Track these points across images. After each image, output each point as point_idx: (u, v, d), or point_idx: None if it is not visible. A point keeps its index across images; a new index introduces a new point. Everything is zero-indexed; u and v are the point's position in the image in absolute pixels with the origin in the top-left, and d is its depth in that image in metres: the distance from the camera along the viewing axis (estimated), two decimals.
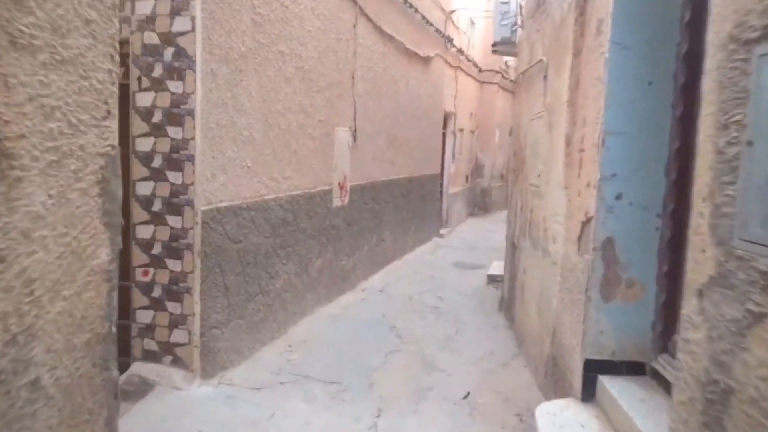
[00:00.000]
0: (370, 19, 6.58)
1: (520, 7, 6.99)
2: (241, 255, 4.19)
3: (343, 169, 6.13)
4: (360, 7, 6.20)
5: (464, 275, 7.88)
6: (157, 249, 3.76)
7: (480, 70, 14.25)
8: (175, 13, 3.57)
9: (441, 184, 11.29)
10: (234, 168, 4.07)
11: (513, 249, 5.51)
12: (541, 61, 4.27)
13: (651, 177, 2.59)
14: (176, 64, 3.60)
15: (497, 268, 7.68)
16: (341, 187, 6.12)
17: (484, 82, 14.84)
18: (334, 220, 6.00)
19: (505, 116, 16.03)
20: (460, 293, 6.84)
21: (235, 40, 3.93)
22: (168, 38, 3.60)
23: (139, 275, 3.81)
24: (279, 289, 4.81)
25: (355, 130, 6.36)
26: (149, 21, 3.62)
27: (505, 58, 15.38)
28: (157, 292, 3.79)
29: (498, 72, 15.07)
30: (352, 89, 6.23)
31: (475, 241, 10.75)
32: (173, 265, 3.75)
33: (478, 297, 6.72)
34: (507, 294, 5.81)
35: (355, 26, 6.14)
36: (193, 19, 3.54)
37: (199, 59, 3.58)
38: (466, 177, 14.05)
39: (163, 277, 3.77)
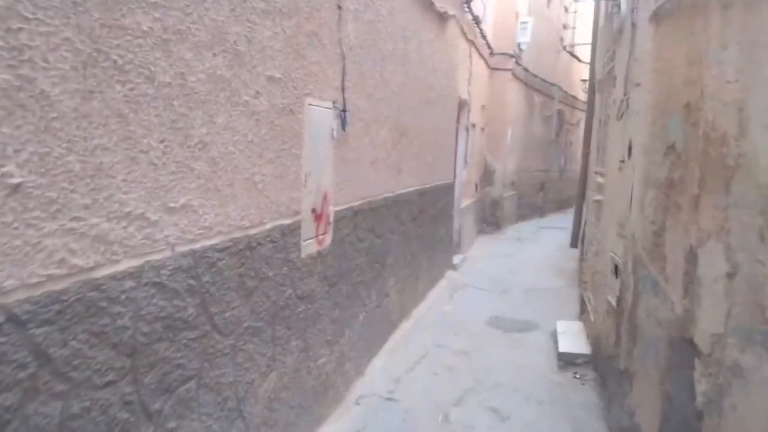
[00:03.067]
0: None
1: None
2: None
3: (320, 182, 3.16)
4: None
5: (513, 347, 4.95)
6: None
7: (492, 53, 11.38)
8: None
9: (453, 197, 8.36)
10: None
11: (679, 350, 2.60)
12: None
13: None
14: None
15: (570, 335, 4.76)
16: (318, 216, 3.14)
17: (495, 69, 11.97)
18: (303, 285, 3.03)
19: (518, 112, 13.21)
20: (527, 396, 3.92)
21: None
22: None
23: None
24: None
25: (344, 109, 3.39)
26: None
27: (519, 39, 12.61)
28: None
29: (512, 56, 12.21)
30: (337, 28, 3.26)
31: (500, 275, 7.84)
32: None
33: (561, 405, 3.80)
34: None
35: None
36: None
37: None
38: (476, 186, 11.15)
39: None
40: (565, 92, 16.69)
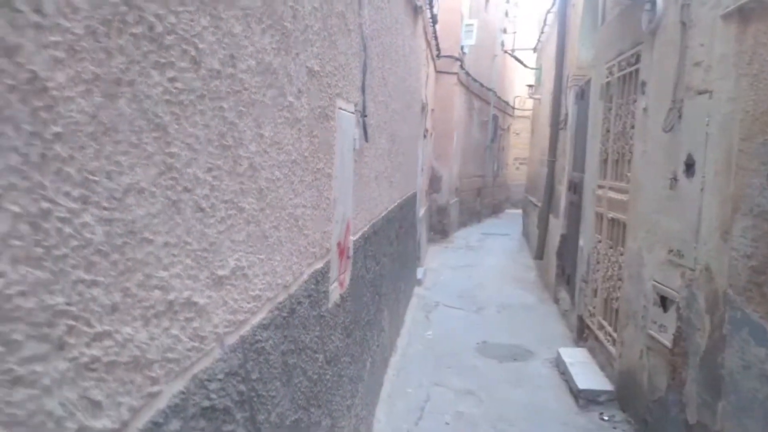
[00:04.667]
0: None
1: None
2: None
3: (345, 208, 2.45)
4: None
5: (518, 382, 4.41)
6: None
7: (438, 55, 10.92)
8: None
9: (416, 208, 7.77)
10: None
11: None
12: None
13: None
14: None
15: (580, 366, 4.29)
16: (341, 251, 2.43)
17: (441, 72, 11.54)
18: (331, 344, 2.31)
19: (461, 117, 12.87)
20: None
21: None
22: None
23: None
24: None
25: (364, 113, 2.70)
26: None
27: (464, 42, 12.25)
28: None
29: (458, 59, 11.84)
30: (358, 11, 2.57)
31: (467, 290, 7.34)
32: None
33: None
34: None
35: None
36: None
37: None
38: (426, 193, 10.64)
39: None
40: (499, 97, 16.64)
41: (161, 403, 0.92)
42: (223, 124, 1.12)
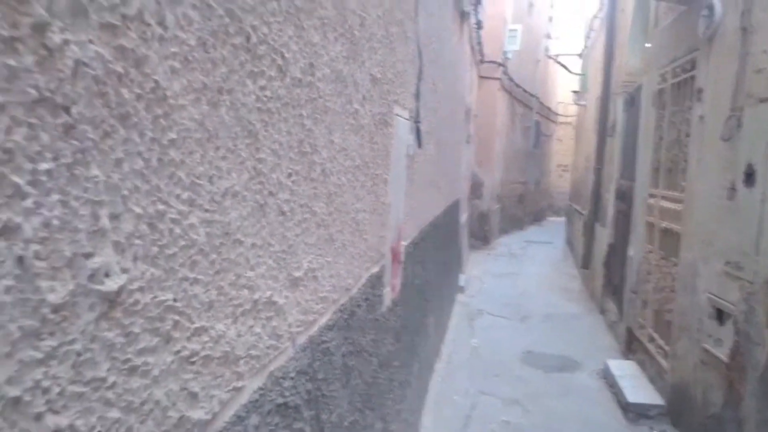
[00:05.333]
0: None
1: None
2: None
3: (398, 214, 2.48)
4: None
5: (564, 393, 4.34)
6: None
7: (482, 60, 10.87)
8: None
9: (459, 213, 7.74)
10: None
11: None
12: None
13: None
14: None
15: (630, 379, 4.20)
16: (394, 257, 2.45)
17: (483, 77, 11.48)
18: (384, 348, 2.33)
19: (504, 123, 12.78)
20: None
21: None
22: None
23: None
24: None
25: (417, 119, 2.72)
26: None
27: (507, 47, 12.16)
28: None
29: (501, 65, 11.76)
30: (415, 18, 2.59)
31: (511, 299, 7.26)
32: None
33: None
34: None
35: None
36: None
37: None
38: (467, 198, 10.59)
39: None
40: (542, 103, 16.44)
41: (243, 398, 0.96)
42: (302, 130, 1.16)
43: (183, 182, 0.73)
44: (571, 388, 4.43)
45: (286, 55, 1.05)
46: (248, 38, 0.89)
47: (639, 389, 4.07)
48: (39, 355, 0.50)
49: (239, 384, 0.93)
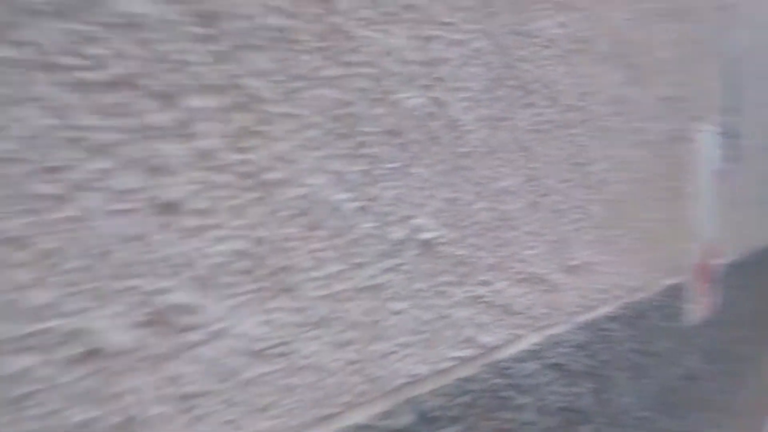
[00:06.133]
0: None
1: None
2: None
3: (705, 229, 2.45)
4: None
5: None
6: None
7: None
8: None
9: None
10: None
11: None
12: None
13: None
14: None
15: None
16: (702, 273, 2.43)
17: None
18: (685, 362, 2.33)
19: None
20: None
21: None
22: None
23: None
24: None
25: (731, 134, 2.63)
26: None
27: None
28: None
29: None
30: (719, 33, 2.56)
31: None
32: None
33: None
34: None
35: None
36: None
37: None
38: None
39: None
40: None
41: (522, 345, 1.27)
42: (573, 146, 1.45)
43: (471, 180, 1.11)
44: None
45: (558, 88, 1.37)
46: (522, 80, 1.24)
47: None
48: (389, 265, 0.93)
49: (517, 332, 1.26)
